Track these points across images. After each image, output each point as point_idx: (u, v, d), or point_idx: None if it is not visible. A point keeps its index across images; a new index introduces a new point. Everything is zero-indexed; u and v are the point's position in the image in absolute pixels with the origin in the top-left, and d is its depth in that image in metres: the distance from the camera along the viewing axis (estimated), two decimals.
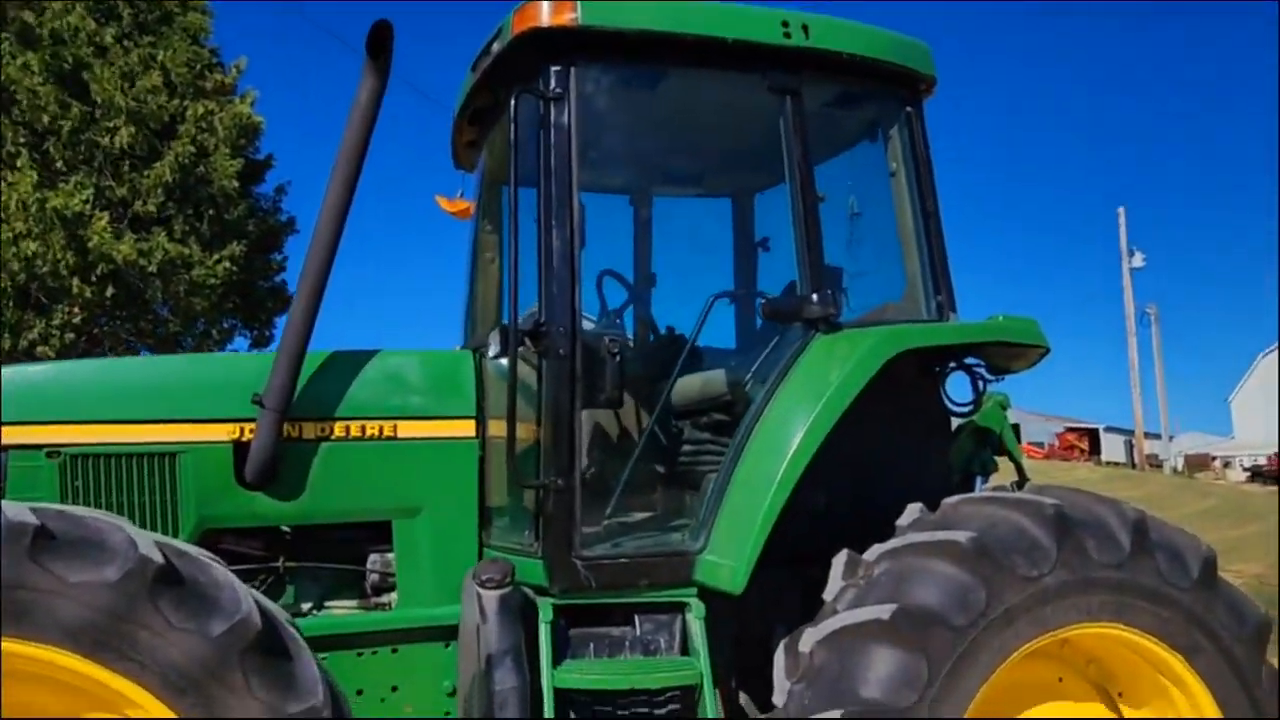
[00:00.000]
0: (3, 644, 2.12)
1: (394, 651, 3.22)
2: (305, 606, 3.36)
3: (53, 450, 2.99)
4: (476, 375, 3.45)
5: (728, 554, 3.00)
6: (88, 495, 2.99)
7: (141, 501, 3.05)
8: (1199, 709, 3.22)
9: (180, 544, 2.44)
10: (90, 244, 11.07)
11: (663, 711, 2.89)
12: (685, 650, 3.00)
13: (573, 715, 2.86)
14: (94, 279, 11.37)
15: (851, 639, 2.85)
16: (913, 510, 3.23)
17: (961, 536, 2.94)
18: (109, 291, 11.62)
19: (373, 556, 3.37)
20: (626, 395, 3.60)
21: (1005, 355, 3.60)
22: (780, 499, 2.95)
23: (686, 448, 3.57)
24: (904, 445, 3.68)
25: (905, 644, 2.80)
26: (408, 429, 3.33)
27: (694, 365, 3.74)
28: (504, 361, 3.02)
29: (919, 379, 3.63)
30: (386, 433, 3.30)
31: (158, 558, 2.25)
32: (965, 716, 2.83)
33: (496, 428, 3.31)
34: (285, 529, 3.36)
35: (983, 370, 3.68)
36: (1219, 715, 3.18)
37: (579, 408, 3.04)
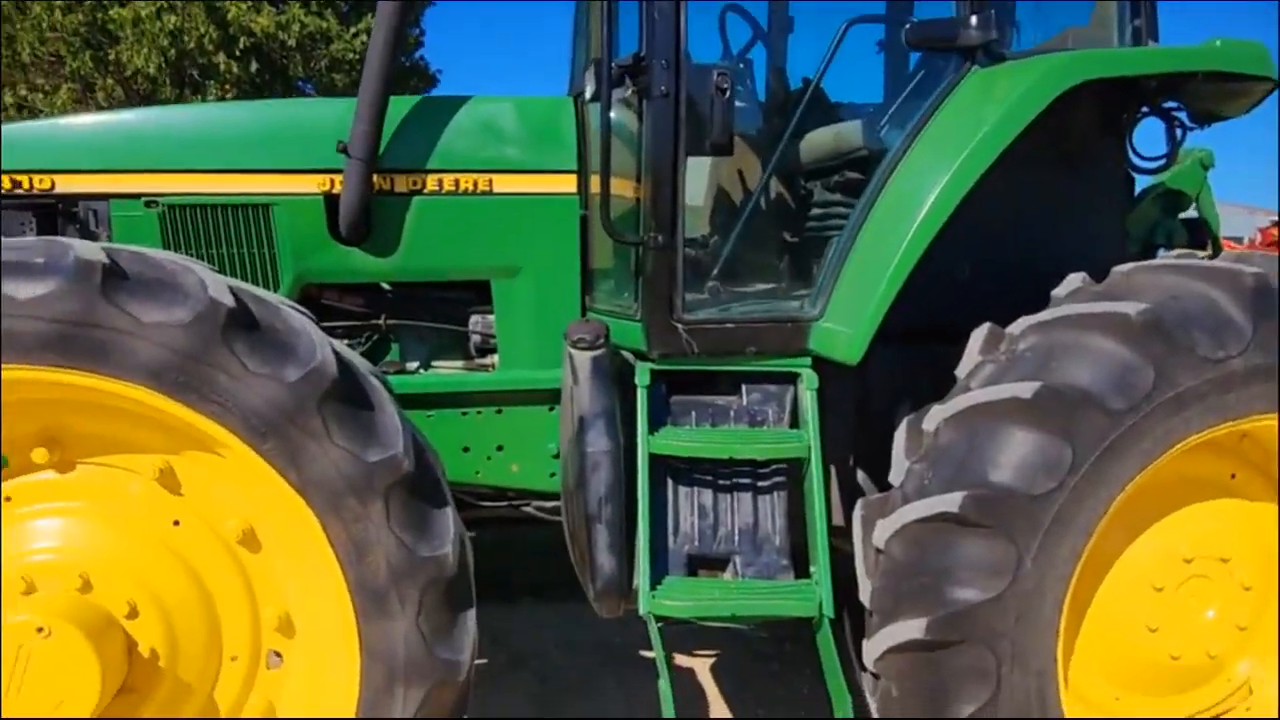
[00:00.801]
0: (87, 380, 2.11)
1: (499, 412, 3.17)
2: (411, 365, 3.33)
3: (150, 200, 2.94)
4: (578, 125, 3.12)
5: (846, 321, 2.67)
6: (188, 246, 2.97)
7: (240, 254, 3.00)
8: None
9: (258, 290, 2.35)
10: (229, 16, 11.12)
11: (766, 484, 2.72)
12: (795, 424, 2.76)
13: (670, 482, 2.72)
14: (238, 54, 11.52)
15: (984, 418, 2.52)
16: (1073, 280, 2.76)
17: (1130, 309, 2.48)
18: (253, 67, 11.78)
19: (474, 317, 3.26)
20: (747, 148, 3.19)
21: (1217, 95, 2.90)
22: (909, 262, 2.56)
23: (813, 209, 3.17)
24: (1073, 206, 3.13)
25: (1047, 426, 2.45)
26: (504, 183, 3.09)
27: (828, 118, 3.25)
28: None
29: (1099, 125, 3.01)
30: (481, 187, 3.08)
31: (229, 301, 2.16)
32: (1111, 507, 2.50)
33: (599, 182, 3.01)
34: (386, 287, 3.28)
35: (1183, 116, 3.00)
36: None
37: (683, 155, 2.68)
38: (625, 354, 2.87)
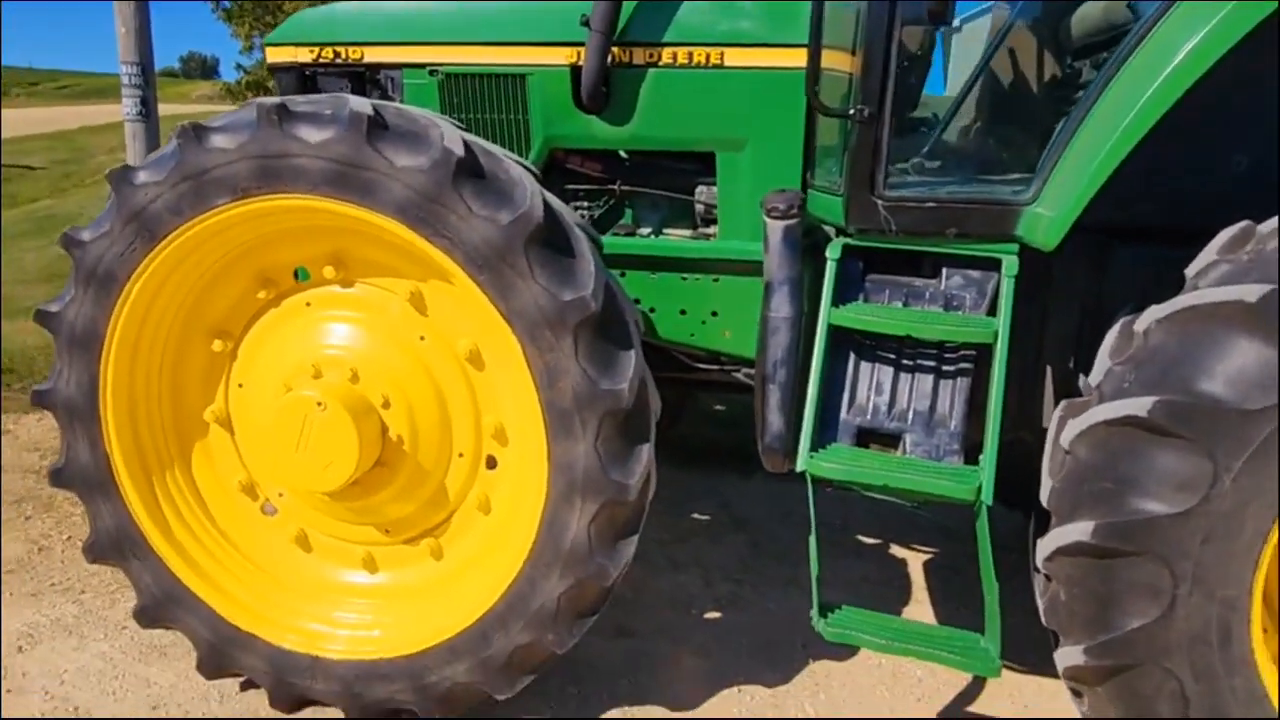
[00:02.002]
0: (357, 211, 2.62)
1: (715, 280, 3.36)
2: (644, 231, 3.60)
3: (433, 69, 3.43)
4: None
5: (1052, 205, 2.49)
6: (460, 110, 3.43)
7: (500, 118, 3.41)
8: None
9: (489, 145, 2.71)
10: None
11: (950, 369, 2.67)
12: (993, 313, 2.66)
13: (853, 355, 2.77)
14: None
15: (1202, 321, 2.28)
16: None
17: None
18: None
19: (700, 188, 3.43)
20: (1022, 31, 2.98)
21: None
22: (1129, 140, 2.31)
23: (1059, 89, 2.92)
24: None
25: (1273, 337, 2.16)
26: (735, 56, 3.18)
27: None
28: None
29: None
30: (713, 60, 3.19)
31: (460, 151, 2.54)
32: None
33: (829, 56, 3.00)
34: (623, 155, 3.54)
35: None
36: None
37: (897, 24, 2.59)
38: (824, 228, 2.91)
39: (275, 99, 2.70)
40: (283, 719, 3.13)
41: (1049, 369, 3.00)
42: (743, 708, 3.30)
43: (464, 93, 3.42)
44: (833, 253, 2.73)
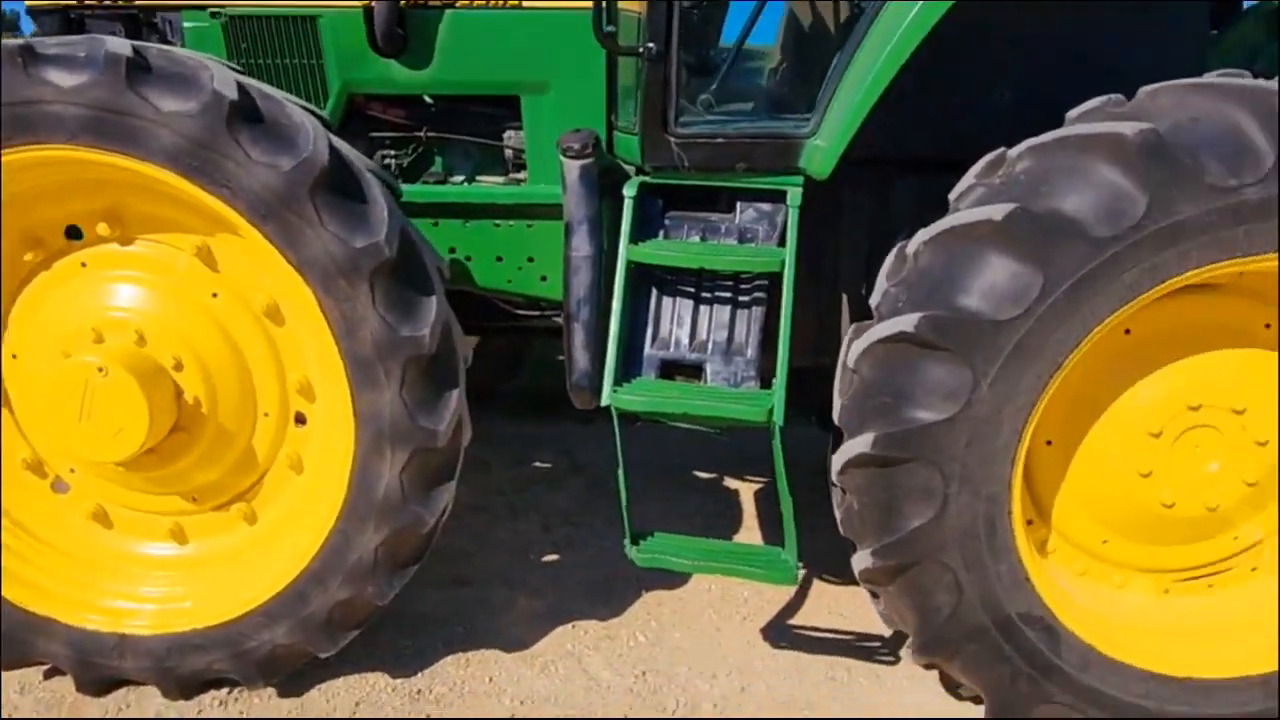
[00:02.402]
0: (124, 162, 2.46)
1: (529, 226, 3.34)
2: (457, 179, 3.53)
3: (214, 10, 3.23)
4: None
5: (827, 136, 2.62)
6: (248, 56, 3.25)
7: (291, 64, 3.26)
8: None
9: (268, 88, 2.60)
10: None
11: (746, 299, 2.78)
12: (784, 243, 2.78)
13: (655, 291, 2.85)
14: None
15: (961, 241, 2.47)
16: (1096, 100, 2.56)
17: (1129, 129, 2.30)
18: None
19: (508, 132, 3.40)
20: None
21: None
22: (885, 77, 2.45)
23: (841, 28, 3.04)
24: (1140, 26, 2.84)
25: (1020, 251, 2.36)
26: None
27: None
28: None
29: None
30: (511, 1, 3.15)
31: (232, 94, 2.42)
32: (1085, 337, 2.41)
33: None
34: (428, 100, 3.46)
35: None
36: None
37: None
38: (622, 166, 2.96)
39: (20, 40, 2.48)
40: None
41: (844, 296, 3.17)
42: (575, 642, 3.39)
43: (251, 37, 3.24)
44: (629, 190, 2.78)
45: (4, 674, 3.00)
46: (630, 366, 2.81)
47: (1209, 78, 2.44)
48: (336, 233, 2.48)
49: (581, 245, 2.76)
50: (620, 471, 2.76)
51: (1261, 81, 2.34)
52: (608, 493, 4.50)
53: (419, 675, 3.18)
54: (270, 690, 3.03)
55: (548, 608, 3.59)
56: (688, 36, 2.72)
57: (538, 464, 4.88)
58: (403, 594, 3.49)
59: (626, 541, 2.78)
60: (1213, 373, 2.68)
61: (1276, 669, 2.67)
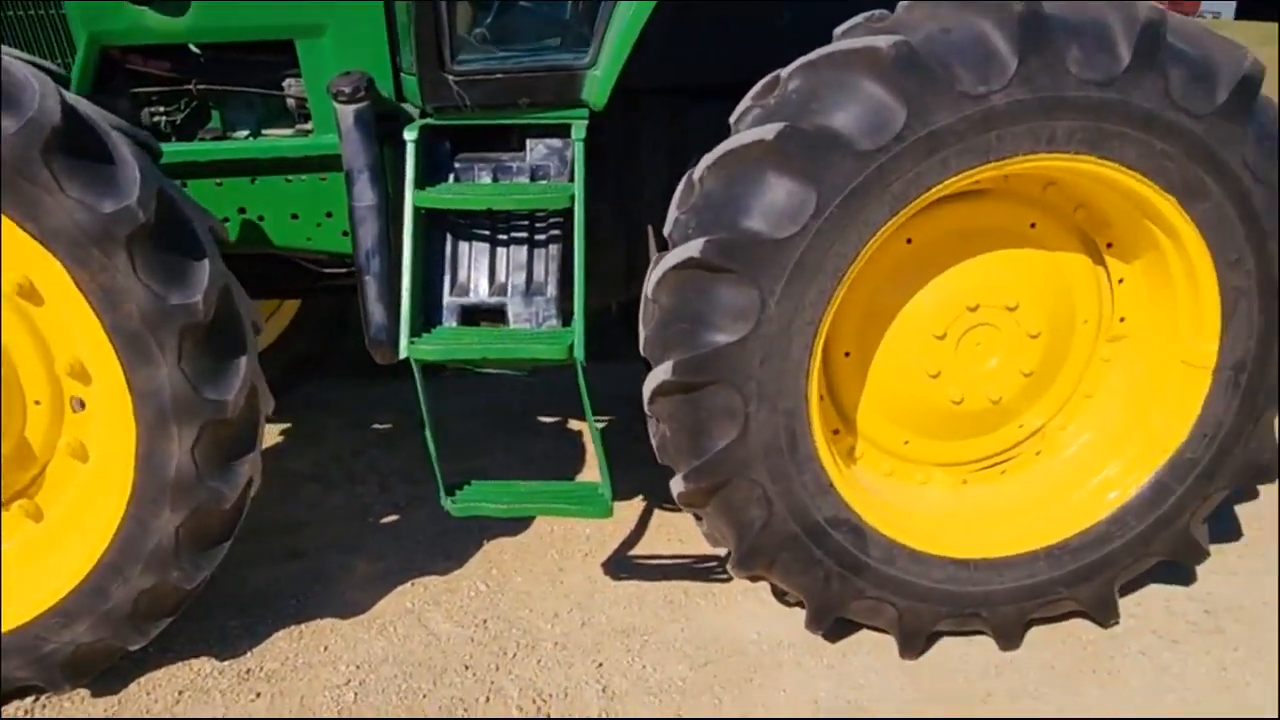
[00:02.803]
0: None
1: (323, 179, 3.17)
2: (241, 134, 3.31)
3: None
4: None
5: (602, 67, 2.59)
6: None
7: (27, 15, 2.95)
8: (1192, 271, 2.71)
9: None
10: None
11: (542, 237, 2.75)
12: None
13: (449, 237, 2.77)
14: None
15: (738, 164, 2.50)
16: (861, 16, 2.62)
17: (884, 42, 2.37)
18: None
19: (288, 81, 3.19)
20: None
21: None
22: (648, 6, 2.43)
23: None
24: None
25: (792, 169, 2.42)
26: None
27: None
28: None
29: None
30: None
31: None
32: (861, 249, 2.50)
33: None
34: (196, 50, 3.21)
35: None
36: (1213, 281, 2.67)
37: None
38: (406, 109, 2.84)
39: None
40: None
41: (649, 228, 3.17)
42: (415, 599, 3.35)
43: None
44: (410, 134, 2.67)
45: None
46: (430, 316, 2.74)
47: None
48: (80, 199, 2.28)
49: (364, 194, 2.65)
50: (427, 426, 2.70)
51: None
52: (450, 446, 4.47)
53: (249, 654, 3.07)
54: (83, 691, 2.87)
55: (387, 569, 3.52)
56: None
57: (376, 426, 4.75)
58: (231, 572, 3.38)
59: (441, 494, 2.75)
60: (987, 274, 2.85)
61: (1058, 540, 2.91)
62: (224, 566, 3.45)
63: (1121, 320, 3.03)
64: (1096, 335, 3.05)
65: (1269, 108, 2.59)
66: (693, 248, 2.48)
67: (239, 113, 3.31)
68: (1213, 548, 3.49)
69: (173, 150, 3.00)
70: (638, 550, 3.66)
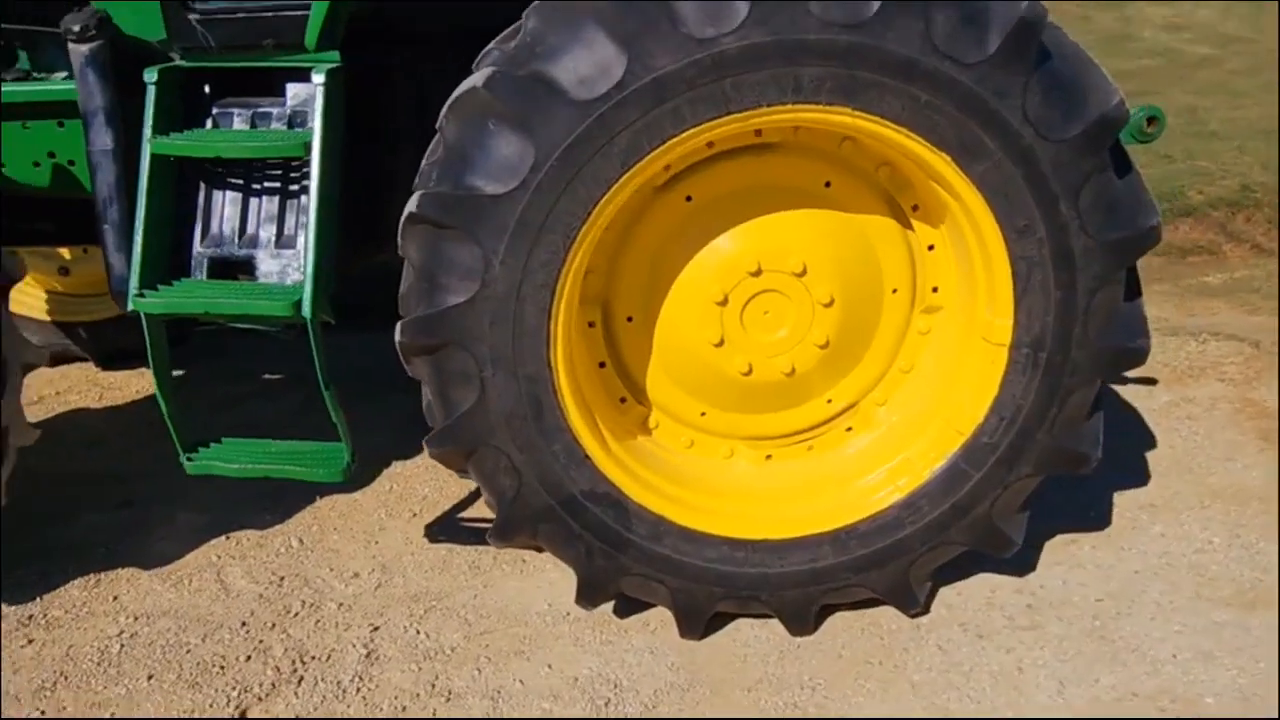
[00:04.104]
0: None
1: (60, 125, 3.01)
2: (59, 76, 3.22)
3: None
4: None
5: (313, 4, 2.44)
6: None
7: None
8: (981, 238, 2.47)
9: None
10: None
11: (296, 188, 2.62)
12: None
13: (204, 185, 2.66)
14: None
15: (464, 112, 2.34)
16: None
17: None
18: None
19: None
20: None
21: None
22: None
23: None
24: None
25: (508, 119, 2.25)
26: None
27: None
28: None
29: None
30: None
31: None
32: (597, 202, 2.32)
33: None
34: None
35: None
36: (1002, 250, 2.42)
37: None
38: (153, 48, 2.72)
39: None
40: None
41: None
42: (223, 553, 3.33)
43: None
44: (149, 77, 2.55)
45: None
46: (180, 267, 2.65)
47: None
48: None
49: (99, 139, 2.55)
50: (157, 381, 2.63)
51: None
52: (319, 406, 4.39)
53: (38, 600, 3.09)
54: None
55: (210, 522, 3.49)
56: None
57: (265, 376, 4.72)
58: (59, 519, 3.41)
59: (179, 452, 2.69)
60: (772, 236, 2.64)
61: (846, 524, 2.73)
62: (51, 513, 3.55)
63: (935, 290, 2.80)
64: (911, 305, 2.82)
65: (1064, 54, 2.31)
66: (413, 202, 2.33)
67: (49, 55, 3.23)
68: (1069, 537, 3.28)
69: (49, 88, 2.91)
70: (468, 514, 3.57)
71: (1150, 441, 3.80)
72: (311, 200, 2.48)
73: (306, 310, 2.48)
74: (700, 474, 2.91)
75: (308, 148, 2.48)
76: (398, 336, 2.44)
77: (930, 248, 2.74)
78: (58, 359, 4.66)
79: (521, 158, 2.25)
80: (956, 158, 2.32)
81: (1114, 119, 2.31)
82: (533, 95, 2.21)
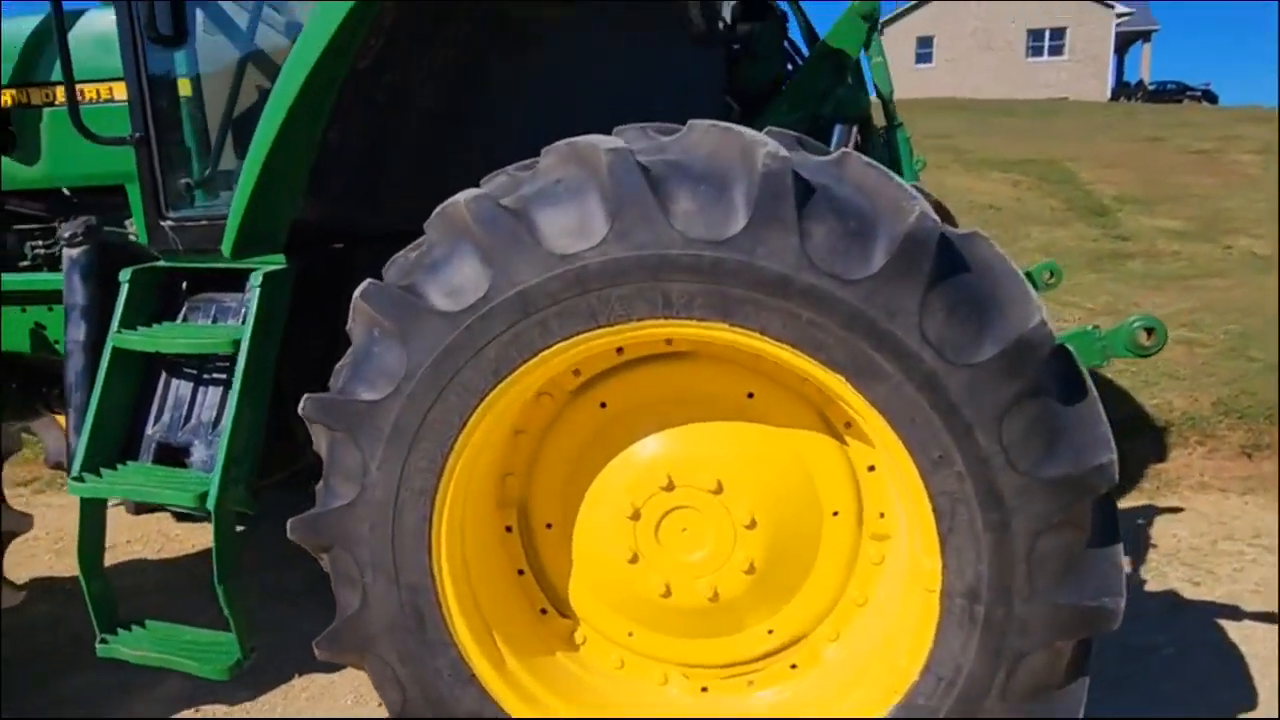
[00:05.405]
0: None
1: (49, 309, 3.30)
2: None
3: None
4: None
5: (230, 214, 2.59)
6: None
7: None
8: (899, 467, 2.19)
9: None
10: None
11: (220, 378, 2.75)
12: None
13: (164, 374, 2.84)
14: None
15: (357, 318, 2.38)
16: (511, 168, 2.44)
17: (465, 198, 2.19)
18: None
19: (129, 220, 3.50)
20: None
21: None
22: (261, 152, 2.42)
23: None
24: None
25: (387, 328, 2.27)
26: (123, 91, 3.26)
27: None
28: None
29: None
30: (104, 95, 3.28)
31: None
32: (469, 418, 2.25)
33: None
34: (67, 192, 3.61)
35: None
36: (918, 483, 2.13)
37: (143, 51, 2.70)
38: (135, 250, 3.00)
39: None
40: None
41: None
42: None
43: None
44: (123, 276, 2.81)
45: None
46: (132, 449, 2.80)
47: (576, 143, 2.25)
48: None
49: (74, 331, 2.81)
50: (80, 560, 2.73)
51: (618, 144, 2.15)
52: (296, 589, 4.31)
53: None
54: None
55: (190, 691, 3.55)
56: (175, 122, 2.76)
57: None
58: (49, 676, 3.58)
59: (96, 633, 2.76)
60: (686, 449, 2.46)
61: None
62: (53, 667, 3.72)
63: (882, 516, 2.48)
64: (858, 531, 2.51)
65: (980, 268, 2.06)
66: (303, 403, 2.36)
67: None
68: None
69: (41, 280, 3.35)
70: None
71: None
72: (233, 394, 2.59)
73: (210, 502, 2.53)
74: (632, 700, 2.64)
75: (236, 344, 2.60)
76: (288, 533, 2.43)
77: (871, 468, 2.45)
78: (142, 508, 5.05)
79: (397, 366, 2.24)
80: (852, 379, 2.08)
81: (1034, 341, 2.01)
82: (408, 306, 2.22)
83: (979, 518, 2.09)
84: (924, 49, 41.41)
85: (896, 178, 2.10)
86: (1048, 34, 40.48)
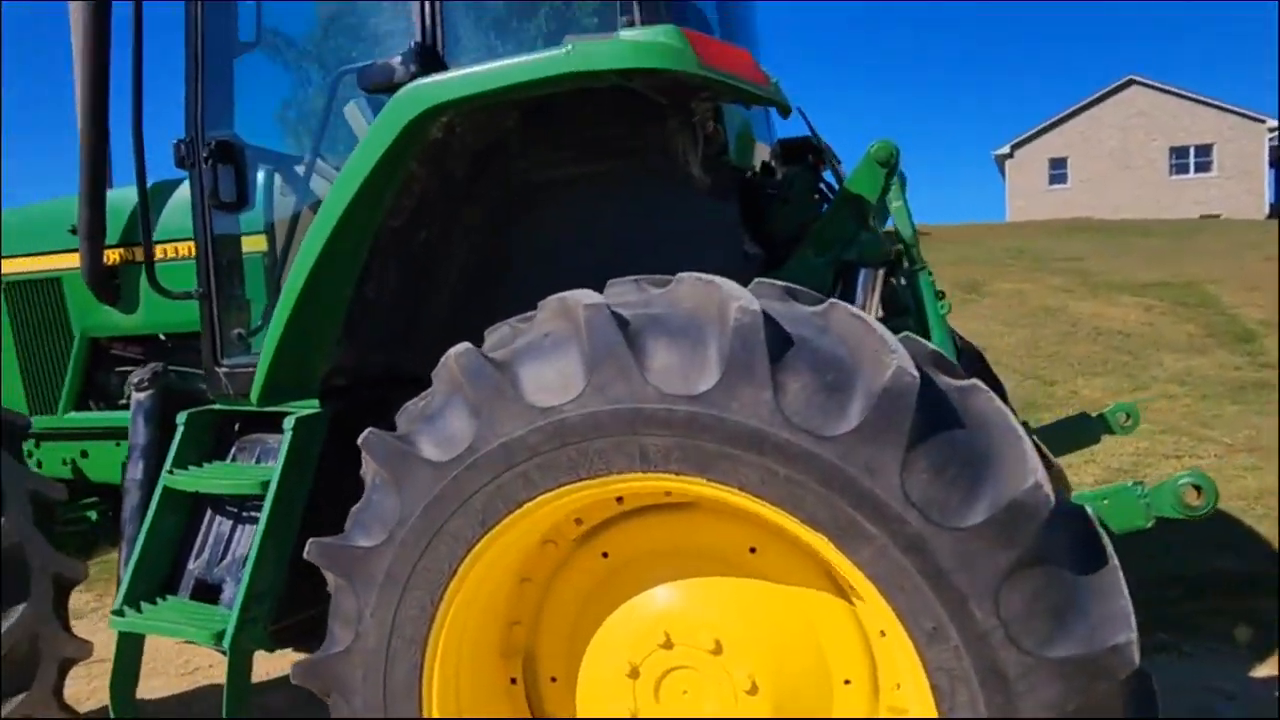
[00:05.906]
0: None
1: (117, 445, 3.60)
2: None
3: None
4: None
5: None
6: (25, 314, 3.94)
7: (47, 318, 3.91)
8: (896, 637, 2.03)
9: None
10: None
11: (248, 515, 2.87)
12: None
13: (209, 511, 3.00)
14: None
15: (367, 466, 2.45)
16: (512, 320, 2.51)
17: (455, 352, 2.27)
18: None
19: None
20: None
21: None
22: (288, 307, 2.59)
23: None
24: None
25: (384, 476, 2.33)
26: None
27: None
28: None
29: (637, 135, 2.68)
30: (182, 253, 3.63)
31: None
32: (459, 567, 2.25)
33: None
34: (163, 337, 3.96)
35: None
36: (913, 656, 1.96)
37: (208, 214, 2.99)
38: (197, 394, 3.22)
39: None
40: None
41: None
42: None
43: (23, 299, 3.94)
44: (180, 419, 3.02)
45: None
46: (172, 585, 2.94)
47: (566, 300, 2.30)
48: None
49: (134, 470, 3.02)
50: (112, 691, 2.83)
51: (597, 299, 2.18)
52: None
53: None
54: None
55: None
56: (234, 278, 3.02)
57: None
58: None
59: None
60: (686, 605, 2.37)
61: None
62: None
63: (898, 687, 2.28)
64: (874, 702, 2.32)
65: (974, 425, 1.94)
66: (308, 547, 2.43)
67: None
68: None
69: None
70: None
71: None
72: (256, 535, 2.69)
73: (226, 641, 2.60)
74: None
75: (265, 486, 2.73)
76: (291, 678, 2.46)
77: (883, 633, 2.28)
78: None
79: (391, 513, 2.29)
80: (835, 540, 1.97)
81: (1029, 505, 1.85)
82: (402, 455, 2.28)
83: (981, 699, 1.89)
84: (1057, 169, 40.53)
85: (880, 328, 2.03)
86: (1192, 150, 38.83)
